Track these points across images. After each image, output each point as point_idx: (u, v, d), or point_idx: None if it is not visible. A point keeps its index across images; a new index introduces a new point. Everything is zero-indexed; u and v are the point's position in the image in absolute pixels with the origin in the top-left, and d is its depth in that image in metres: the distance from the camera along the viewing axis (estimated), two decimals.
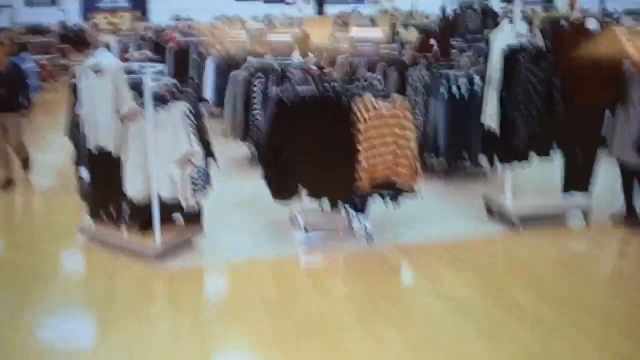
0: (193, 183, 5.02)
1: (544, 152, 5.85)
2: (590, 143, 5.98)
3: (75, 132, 5.61)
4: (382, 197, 5.48)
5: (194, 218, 5.28)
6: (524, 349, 3.84)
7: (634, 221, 5.77)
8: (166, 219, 5.16)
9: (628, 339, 3.95)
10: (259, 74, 7.58)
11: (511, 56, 5.67)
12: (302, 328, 4.09)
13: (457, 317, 4.25)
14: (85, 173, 5.37)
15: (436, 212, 6.24)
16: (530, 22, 8.16)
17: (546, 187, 6.22)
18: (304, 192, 5.37)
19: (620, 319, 4.29)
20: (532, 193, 5.96)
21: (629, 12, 14.57)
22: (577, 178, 6.03)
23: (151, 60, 9.91)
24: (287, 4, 22.58)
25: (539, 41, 6.62)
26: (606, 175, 6.00)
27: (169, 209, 5.13)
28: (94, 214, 5.39)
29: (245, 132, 7.57)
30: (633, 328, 4.12)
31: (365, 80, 5.98)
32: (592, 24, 5.96)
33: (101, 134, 5.08)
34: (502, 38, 5.92)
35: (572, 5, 8.34)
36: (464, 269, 5.00)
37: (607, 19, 11.84)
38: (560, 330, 4.08)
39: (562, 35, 6.32)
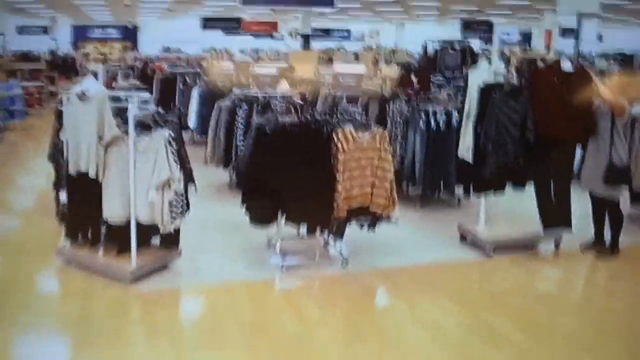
0: (171, 208, 5.07)
1: (519, 184, 6.00)
2: (563, 177, 6.14)
3: (57, 156, 5.67)
4: (360, 224, 5.58)
5: (171, 241, 5.32)
6: None
7: (601, 249, 5.96)
8: (143, 242, 5.20)
9: None
10: (243, 104, 7.72)
11: (487, 92, 5.86)
12: (278, 352, 4.11)
13: (433, 342, 4.30)
14: (64, 196, 5.41)
15: (412, 238, 6.34)
16: (507, 61, 8.42)
17: (518, 216, 6.35)
18: (282, 217, 5.45)
19: (590, 343, 4.38)
20: (504, 222, 6.07)
21: (603, 55, 15.04)
22: (558, 214, 6.17)
23: (137, 88, 10.07)
24: (275, 38, 22.94)
25: (515, 79, 6.84)
26: (577, 204, 6.13)
27: (146, 232, 5.17)
28: (72, 237, 5.41)
29: (226, 159, 7.68)
30: (603, 353, 4.20)
31: (347, 113, 6.13)
32: (566, 64, 6.17)
33: (83, 159, 5.13)
34: (480, 75, 6.11)
35: (548, 47, 8.60)
36: (438, 294, 5.07)
37: (582, 60, 12.19)
38: (535, 355, 4.15)
39: (538, 74, 6.54)
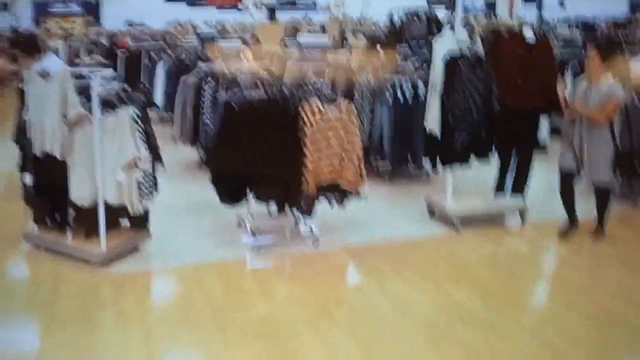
0: (140, 188, 5.04)
1: (483, 155, 6.08)
2: (526, 147, 6.25)
3: (22, 137, 5.56)
4: (329, 200, 5.61)
5: (140, 223, 5.30)
6: (466, 349, 3.98)
7: (596, 235, 5.84)
8: (112, 224, 5.17)
9: (564, 337, 4.13)
10: (209, 79, 7.64)
11: (452, 62, 5.88)
12: (250, 331, 4.14)
13: (402, 317, 4.38)
14: (30, 179, 5.34)
15: (381, 213, 6.40)
16: (472, 30, 8.43)
17: (485, 189, 6.43)
18: (251, 195, 5.46)
19: (556, 316, 4.50)
20: (471, 195, 6.16)
21: (565, 21, 15.18)
22: (513, 182, 6.29)
23: (101, 65, 9.87)
24: (240, 10, 22.59)
25: (480, 48, 6.87)
26: (542, 178, 6.25)
27: (115, 213, 5.14)
28: (39, 220, 5.36)
29: (194, 136, 7.62)
30: (569, 325, 4.31)
31: (313, 86, 6.11)
32: (528, 32, 6.22)
33: (47, 139, 5.06)
34: (444, 45, 6.13)
35: (510, 13, 8.64)
36: (408, 270, 5.15)
37: (544, 27, 12.30)
38: (501, 328, 4.24)
39: (500, 43, 6.57)
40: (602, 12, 17.90)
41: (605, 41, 5.52)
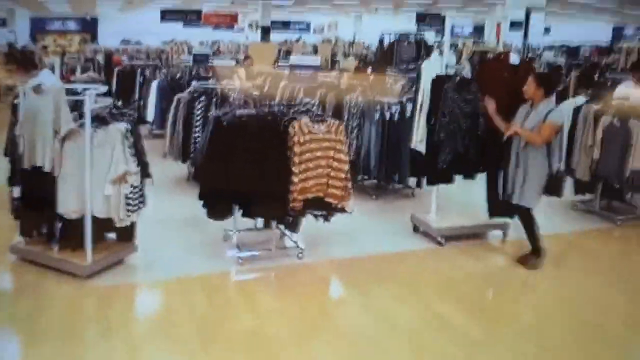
0: (128, 203, 5.11)
1: (468, 174, 6.20)
2: None
3: (13, 151, 5.63)
4: (315, 216, 5.69)
5: (127, 236, 5.35)
6: None
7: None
8: (99, 237, 5.22)
9: (545, 349, 4.21)
10: (202, 96, 7.75)
11: (439, 85, 6.02)
12: (234, 345, 4.18)
13: (386, 331, 4.44)
14: (18, 192, 5.38)
15: (366, 228, 6.49)
16: (460, 54, 8.62)
17: (469, 206, 6.54)
18: (238, 211, 5.53)
19: (537, 329, 4.58)
20: (455, 212, 6.26)
21: (550, 47, 15.47)
22: (503, 205, 6.37)
23: (95, 81, 9.98)
24: (236, 31, 22.83)
25: (467, 71, 7.02)
26: None
27: (102, 226, 5.19)
28: (26, 233, 5.39)
29: (185, 153, 7.70)
30: (550, 338, 4.39)
31: (304, 105, 6.22)
32: (513, 57, 6.38)
33: (38, 153, 5.11)
34: (432, 67, 6.27)
35: (497, 39, 8.86)
36: (391, 284, 5.22)
37: (530, 53, 12.53)
38: (483, 342, 4.32)
39: (486, 66, 6.74)
40: (586, 39, 18.23)
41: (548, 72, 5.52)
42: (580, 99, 7.24)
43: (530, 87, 5.50)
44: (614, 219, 6.97)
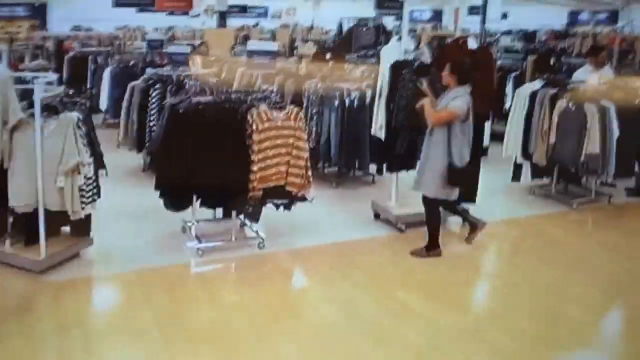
0: (82, 194, 4.95)
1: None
2: (474, 153, 6.37)
3: None
4: (275, 205, 5.63)
5: (82, 229, 5.20)
6: (411, 349, 4.05)
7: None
8: (53, 230, 5.06)
9: (505, 334, 4.25)
10: (157, 84, 7.56)
11: (398, 70, 5.99)
12: (194, 337, 4.10)
13: (348, 320, 4.41)
14: None
15: (328, 217, 6.46)
16: (419, 39, 8.62)
17: None
18: (197, 200, 5.42)
19: (496, 314, 4.63)
20: (416, 199, 6.21)
21: (507, 32, 15.66)
22: (465, 189, 6.41)
23: (46, 69, 9.67)
24: (190, 16, 22.43)
25: (427, 57, 7.01)
26: (483, 181, 6.39)
27: (56, 220, 5.03)
28: None
29: (140, 142, 7.52)
30: (509, 323, 4.43)
31: (262, 92, 6.13)
32: (472, 42, 6.39)
33: None
34: (392, 53, 6.24)
35: (456, 24, 8.89)
36: (352, 272, 5.21)
37: (489, 38, 12.65)
38: (444, 327, 4.33)
39: (445, 52, 6.73)
40: (543, 23, 18.52)
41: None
42: (537, 84, 7.32)
43: (445, 74, 5.42)
44: (571, 203, 7.08)
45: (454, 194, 5.47)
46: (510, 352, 4.04)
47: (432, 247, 5.54)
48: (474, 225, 5.70)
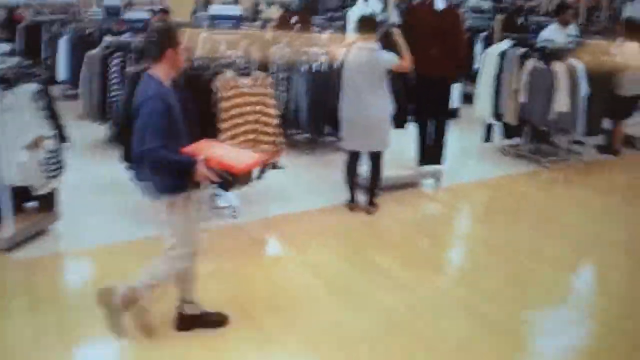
0: (45, 169, 4.77)
1: (399, 124, 6.13)
2: (441, 114, 6.35)
3: None
4: None
5: (48, 204, 5.03)
6: (385, 312, 4.04)
7: (356, 206, 5.77)
8: (18, 207, 4.89)
9: (479, 295, 4.26)
10: (117, 52, 7.29)
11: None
12: (169, 310, 3.94)
13: (323, 286, 4.38)
14: None
15: (300, 184, 6.38)
16: (386, 1, 8.47)
17: (401, 156, 6.49)
18: None
19: (471, 275, 4.63)
20: (389, 162, 6.17)
21: None
22: (431, 152, 6.40)
23: None
24: None
25: (395, 17, 6.88)
26: (453, 143, 6.38)
27: (20, 196, 4.85)
28: None
29: (102, 113, 7.27)
30: (483, 284, 4.45)
31: (227, 58, 5.95)
32: (439, 3, 6.28)
33: None
34: (358, 15, 6.10)
35: None
36: (328, 238, 5.18)
37: None
38: (419, 290, 4.33)
39: (412, 12, 6.63)
40: None
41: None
42: (505, 44, 7.27)
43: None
44: (542, 162, 7.12)
45: None
46: (484, 311, 4.06)
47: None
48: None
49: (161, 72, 3.41)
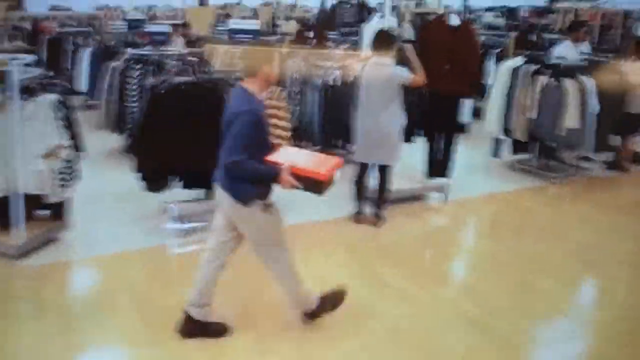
0: (61, 177, 4.91)
1: (408, 138, 6.22)
2: (451, 129, 6.42)
3: None
4: None
5: (61, 212, 5.16)
6: (388, 323, 4.09)
7: (365, 218, 5.86)
8: (31, 214, 5.01)
9: (482, 307, 4.31)
10: (137, 64, 7.48)
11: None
12: (175, 320, 4.00)
13: None
14: None
15: (307, 196, 6.39)
16: (401, 16, 8.59)
17: (409, 170, 6.56)
18: (177, 181, 5.40)
19: (474, 288, 4.67)
20: (397, 175, 6.23)
21: (490, 9, 15.59)
22: (439, 166, 6.47)
23: (24, 51, 9.51)
24: None
25: (410, 33, 6.97)
26: (462, 157, 6.43)
27: (33, 203, 4.98)
28: None
29: (120, 124, 7.44)
30: (486, 296, 4.49)
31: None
32: (454, 19, 6.38)
33: None
34: (373, 30, 6.20)
35: (438, 1, 8.86)
36: (333, 249, 5.24)
37: (470, 15, 12.61)
38: (422, 302, 4.37)
39: (426, 28, 6.73)
40: (524, 1, 18.44)
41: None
42: (518, 60, 7.33)
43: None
44: (550, 178, 7.14)
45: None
46: (487, 324, 4.10)
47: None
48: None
49: (256, 87, 3.61)
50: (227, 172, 3.62)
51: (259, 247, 3.84)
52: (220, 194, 3.74)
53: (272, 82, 3.78)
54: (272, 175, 3.56)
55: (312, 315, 4.02)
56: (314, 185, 3.66)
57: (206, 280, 3.88)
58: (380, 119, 5.45)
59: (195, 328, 3.90)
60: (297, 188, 3.63)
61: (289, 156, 3.67)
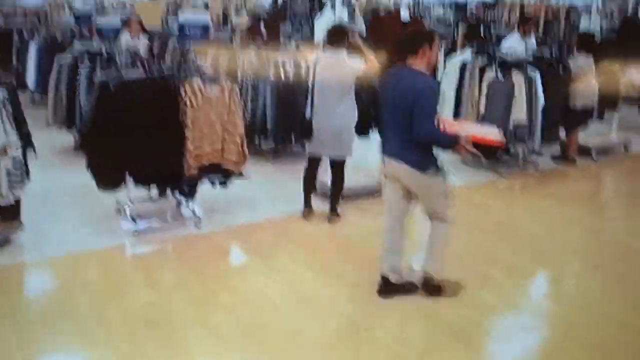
0: (10, 177, 4.80)
1: (363, 132, 6.27)
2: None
3: None
4: (212, 182, 5.60)
5: (12, 213, 5.03)
6: (352, 323, 4.15)
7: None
8: None
9: (447, 306, 4.34)
10: (86, 59, 7.33)
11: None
12: (133, 320, 4.04)
13: (289, 294, 4.44)
14: None
15: (265, 193, 6.45)
16: (353, 9, 8.62)
17: (364, 165, 6.62)
18: (130, 179, 5.33)
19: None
20: (352, 171, 6.28)
21: (440, 3, 15.78)
22: None
23: None
24: None
25: (360, 25, 7.03)
26: None
27: None
28: None
29: (69, 119, 7.30)
30: (447, 294, 4.49)
31: (195, 66, 6.03)
32: (404, 13, 6.47)
33: None
34: (325, 23, 6.24)
35: None
36: (292, 247, 5.25)
37: (420, 9, 12.73)
38: (384, 300, 4.39)
39: (377, 22, 6.80)
40: None
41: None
42: (467, 54, 7.47)
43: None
44: (501, 172, 7.31)
45: None
46: (443, 317, 4.18)
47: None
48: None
49: (420, 66, 4.02)
50: (418, 143, 3.97)
51: (438, 208, 4.28)
52: (398, 166, 4.12)
53: (431, 63, 4.14)
54: (454, 142, 3.97)
55: (435, 289, 4.38)
56: (487, 150, 4.26)
57: (397, 243, 4.38)
58: (335, 112, 5.46)
59: (394, 289, 4.38)
60: (475, 155, 4.19)
61: (458, 126, 4.28)
